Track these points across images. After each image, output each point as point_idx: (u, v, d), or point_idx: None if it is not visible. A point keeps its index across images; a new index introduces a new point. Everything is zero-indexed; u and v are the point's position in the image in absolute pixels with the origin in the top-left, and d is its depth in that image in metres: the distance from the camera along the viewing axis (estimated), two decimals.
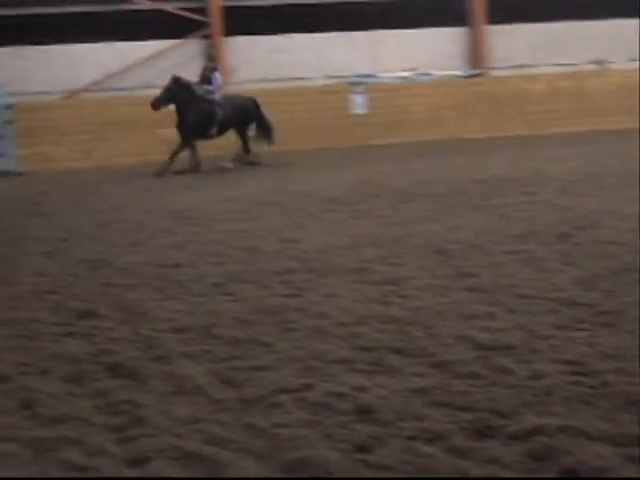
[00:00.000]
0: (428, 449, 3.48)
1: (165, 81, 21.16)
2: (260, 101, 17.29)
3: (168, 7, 21.04)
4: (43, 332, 5.48)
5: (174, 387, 4.32)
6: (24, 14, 20.30)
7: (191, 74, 21.20)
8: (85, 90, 20.44)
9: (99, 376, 4.55)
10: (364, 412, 3.90)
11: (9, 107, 18.58)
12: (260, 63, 21.72)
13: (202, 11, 21.31)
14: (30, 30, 20.28)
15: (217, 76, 17.17)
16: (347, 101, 20.74)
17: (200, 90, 16.63)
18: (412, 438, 3.60)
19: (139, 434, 3.71)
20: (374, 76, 21.41)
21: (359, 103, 20.82)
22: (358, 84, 20.94)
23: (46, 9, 20.45)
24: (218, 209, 10.98)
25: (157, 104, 16.18)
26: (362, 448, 3.54)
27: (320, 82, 21.45)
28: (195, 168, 16.15)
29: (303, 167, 16.11)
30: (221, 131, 16.87)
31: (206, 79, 17.00)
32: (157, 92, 20.12)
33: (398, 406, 3.94)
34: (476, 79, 22.17)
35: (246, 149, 17.08)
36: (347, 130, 20.46)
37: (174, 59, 21.15)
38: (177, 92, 16.31)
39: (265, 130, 17.22)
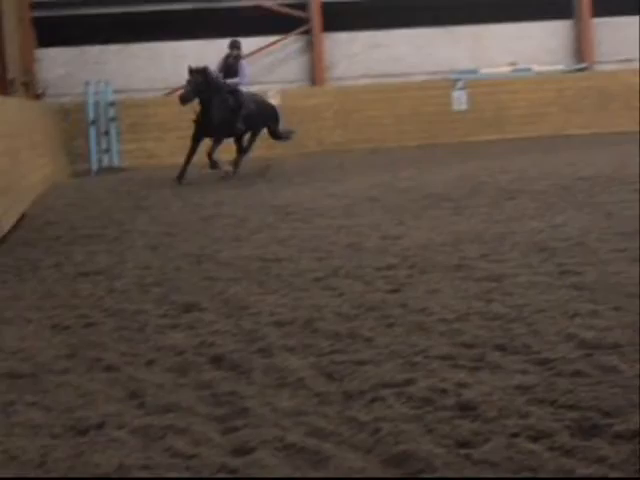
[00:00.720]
0: (532, 446, 3.44)
1: (267, 77, 21.48)
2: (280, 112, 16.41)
3: (269, 4, 21.26)
4: (148, 324, 5.61)
5: (276, 380, 4.37)
6: (131, 12, 20.80)
7: (289, 71, 21.46)
8: None
9: (203, 367, 4.64)
10: (467, 408, 3.88)
11: (113, 104, 19.07)
12: (360, 59, 21.77)
13: (302, 7, 21.46)
14: (136, 28, 20.78)
15: (244, 65, 15.30)
16: (448, 97, 20.62)
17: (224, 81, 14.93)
18: (515, 435, 3.55)
19: (243, 425, 3.77)
20: (475, 72, 21.21)
21: (460, 99, 20.66)
22: (458, 80, 20.79)
23: (152, 7, 20.91)
24: (319, 205, 11.06)
25: (186, 98, 14.42)
26: (465, 444, 3.51)
27: (420, 78, 21.37)
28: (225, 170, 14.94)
29: (404, 163, 16.07)
30: (247, 128, 15.41)
31: (231, 69, 15.06)
32: (257, 89, 20.51)
33: (501, 403, 3.90)
34: (580, 74, 21.74)
35: (244, 150, 15.74)
36: (448, 126, 20.34)
37: (274, 55, 21.39)
38: (203, 84, 14.44)
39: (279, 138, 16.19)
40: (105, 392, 4.26)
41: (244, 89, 15.31)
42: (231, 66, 15.05)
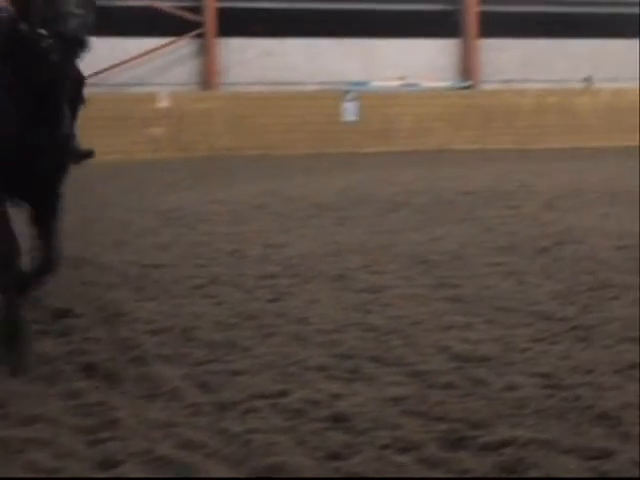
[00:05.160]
0: (400, 458, 3.49)
1: (157, 79, 21.09)
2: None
3: (163, 5, 21.02)
4: None
5: (149, 390, 4.30)
6: None
7: (180, 74, 21.23)
8: None
9: (73, 377, 4.51)
10: (339, 420, 3.90)
11: None
12: (253, 66, 21.73)
13: (197, 10, 21.29)
14: None
15: None
16: (338, 108, 20.79)
17: None
18: (385, 447, 3.60)
19: (110, 437, 3.68)
20: (365, 84, 21.46)
21: (349, 110, 20.87)
22: (349, 91, 21.00)
23: None
24: (205, 210, 10.98)
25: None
26: (335, 456, 3.54)
27: (313, 87, 21.48)
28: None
29: (292, 172, 16.11)
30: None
31: None
32: (147, 90, 20.24)
33: (373, 415, 3.94)
34: (465, 91, 22.27)
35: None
36: (337, 137, 20.51)
37: (166, 57, 21.15)
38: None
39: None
40: None
41: None
42: None
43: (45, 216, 4.89)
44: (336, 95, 20.99)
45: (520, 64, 22.85)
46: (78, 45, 4.55)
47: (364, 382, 4.42)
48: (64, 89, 4.81)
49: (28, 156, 4.63)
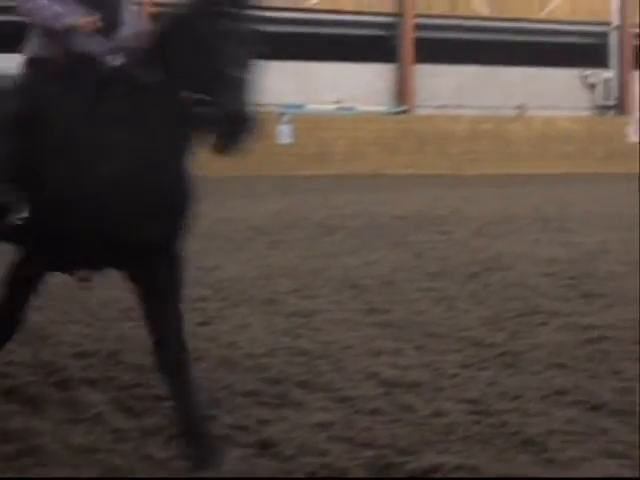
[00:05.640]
0: None
1: None
2: None
3: None
4: None
5: (72, 414, 4.21)
6: None
7: None
8: None
9: None
10: (266, 446, 3.86)
11: None
12: None
13: None
14: None
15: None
16: (274, 130, 20.84)
17: None
18: (312, 474, 3.57)
19: (32, 463, 3.60)
20: (301, 107, 21.56)
21: (285, 133, 20.93)
22: (284, 114, 21.06)
23: None
24: None
25: None
26: None
27: None
28: None
29: (226, 194, 16.06)
30: None
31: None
32: None
33: (300, 441, 3.91)
34: (400, 116, 22.50)
35: None
36: (272, 159, 20.53)
37: None
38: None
39: None
40: None
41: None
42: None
43: (160, 289, 3.83)
44: (271, 117, 21.02)
45: (454, 90, 23.20)
46: (244, 127, 3.42)
47: (292, 408, 4.39)
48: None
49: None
